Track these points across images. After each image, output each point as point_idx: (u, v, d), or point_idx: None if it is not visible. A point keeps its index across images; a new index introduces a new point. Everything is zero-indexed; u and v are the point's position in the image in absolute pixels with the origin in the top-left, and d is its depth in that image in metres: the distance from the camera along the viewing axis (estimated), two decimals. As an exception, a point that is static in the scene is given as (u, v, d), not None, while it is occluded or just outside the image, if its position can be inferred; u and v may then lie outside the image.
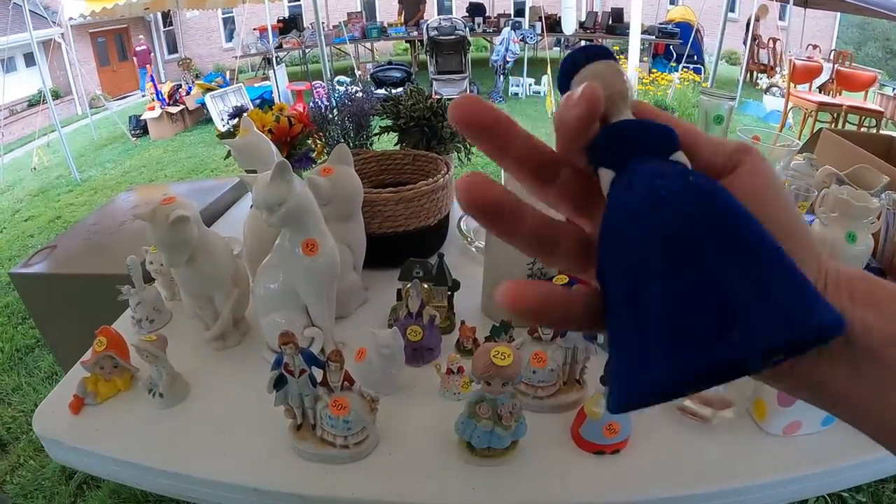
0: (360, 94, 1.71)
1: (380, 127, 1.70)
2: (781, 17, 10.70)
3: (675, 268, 0.23)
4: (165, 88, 8.95)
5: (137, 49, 12.92)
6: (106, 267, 1.65)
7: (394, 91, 1.75)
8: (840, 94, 7.73)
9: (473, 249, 1.41)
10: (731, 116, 1.33)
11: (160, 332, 1.05)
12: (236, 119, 1.67)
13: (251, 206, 1.28)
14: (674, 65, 9.18)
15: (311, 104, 1.77)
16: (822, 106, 6.91)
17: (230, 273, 1.09)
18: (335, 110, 1.68)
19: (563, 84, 0.30)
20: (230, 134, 1.63)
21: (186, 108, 9.05)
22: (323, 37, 7.06)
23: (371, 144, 1.75)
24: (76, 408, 1.04)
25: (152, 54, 13.81)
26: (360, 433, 0.88)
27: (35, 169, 7.64)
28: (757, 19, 9.72)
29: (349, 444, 0.87)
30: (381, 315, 1.21)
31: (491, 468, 0.88)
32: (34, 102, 10.60)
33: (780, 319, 0.22)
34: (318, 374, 0.87)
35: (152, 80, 9.42)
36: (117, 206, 2.16)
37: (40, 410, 1.07)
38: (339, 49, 10.98)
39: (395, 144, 1.68)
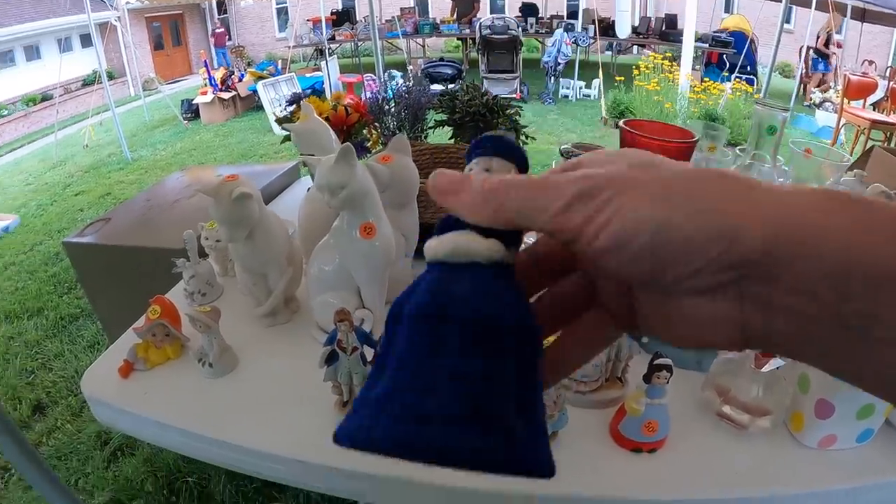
0: (417, 87, 1.73)
1: (435, 121, 1.71)
2: (837, 31, 10.46)
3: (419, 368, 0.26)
4: (218, 74, 9.12)
5: (216, 31, 13.94)
6: (158, 241, 1.69)
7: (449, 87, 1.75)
8: (894, 113, 7.51)
9: (529, 239, 1.42)
10: (784, 128, 1.32)
11: (214, 305, 1.07)
12: (294, 105, 1.71)
13: (308, 190, 1.31)
14: (726, 74, 9.02)
15: (366, 96, 1.79)
16: (875, 124, 6.69)
17: (285, 252, 1.12)
18: (392, 101, 1.70)
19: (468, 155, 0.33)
20: (287, 119, 1.66)
21: (238, 94, 9.22)
22: (377, 30, 7.13)
23: (426, 137, 1.76)
24: (125, 372, 1.08)
25: (214, 38, 14.19)
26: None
27: (87, 146, 7.84)
28: (828, 36, 9.48)
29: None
30: None
31: None
32: (88, 82, 10.88)
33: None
34: (368, 354, 0.88)
35: (206, 65, 9.60)
36: (170, 185, 2.21)
37: (89, 373, 1.10)
38: (390, 43, 11.09)
39: (450, 139, 1.69)
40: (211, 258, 1.35)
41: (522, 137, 1.71)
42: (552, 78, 9.00)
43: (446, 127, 1.70)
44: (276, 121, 1.71)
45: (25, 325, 3.49)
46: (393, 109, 1.70)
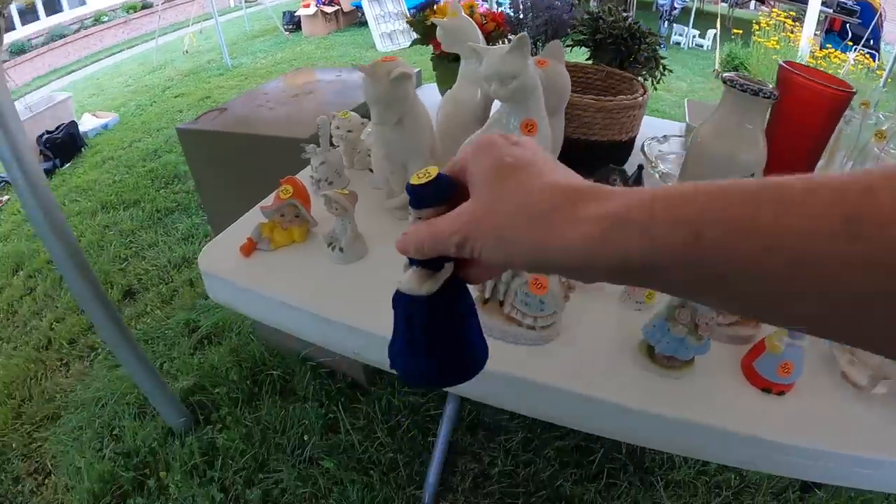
0: (561, 2, 1.64)
1: (573, 39, 1.63)
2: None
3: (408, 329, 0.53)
4: (323, -12, 9.07)
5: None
6: (276, 130, 1.68)
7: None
8: None
9: (656, 175, 1.37)
10: None
11: (351, 189, 1.04)
12: (426, 8, 1.65)
13: (442, 93, 1.26)
14: (849, 43, 8.46)
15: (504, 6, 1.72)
16: None
17: (430, 143, 1.08)
18: (530, 14, 1.63)
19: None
20: (420, 22, 1.61)
21: (341, 8, 9.17)
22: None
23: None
24: (248, 251, 1.07)
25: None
26: (550, 317, 0.86)
27: (187, 52, 7.98)
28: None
29: (536, 325, 0.85)
30: None
31: (665, 379, 0.86)
32: (190, -9, 11.00)
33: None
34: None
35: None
36: (289, 81, 2.19)
37: (207, 249, 1.10)
38: None
39: (587, 59, 1.61)
40: (340, 149, 1.33)
41: (660, 69, 1.62)
42: (665, 22, 8.63)
43: (584, 48, 1.62)
44: (407, 22, 1.65)
45: (121, 215, 3.60)
46: (531, 23, 1.63)
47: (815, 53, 6.91)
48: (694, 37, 8.64)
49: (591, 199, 0.37)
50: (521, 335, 0.86)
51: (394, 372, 0.55)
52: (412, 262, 0.52)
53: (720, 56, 7.22)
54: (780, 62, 1.15)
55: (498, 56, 0.90)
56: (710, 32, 8.01)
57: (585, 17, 1.59)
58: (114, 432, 2.09)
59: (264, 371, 2.20)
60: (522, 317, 0.85)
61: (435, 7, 1.60)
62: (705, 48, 8.29)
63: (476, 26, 1.26)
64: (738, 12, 10.81)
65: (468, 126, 1.20)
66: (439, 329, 0.54)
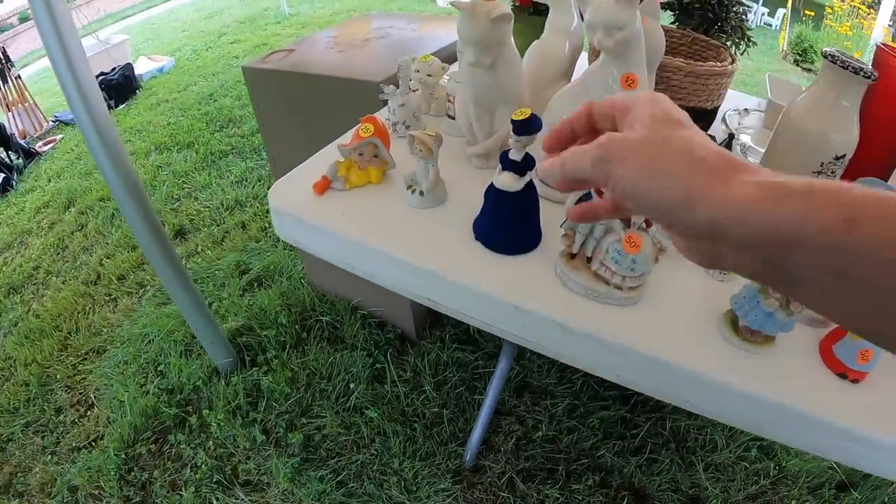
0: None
1: (660, 2, 1.58)
2: None
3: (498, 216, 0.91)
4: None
5: None
6: (347, 72, 1.65)
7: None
8: None
9: (737, 147, 1.33)
10: None
11: (437, 131, 1.02)
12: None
13: (517, 46, 1.23)
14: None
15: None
16: None
17: (521, 91, 1.05)
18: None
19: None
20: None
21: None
22: None
23: (646, 18, 1.64)
24: (322, 189, 1.05)
25: None
26: (639, 279, 0.84)
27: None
28: None
29: (624, 285, 0.83)
30: None
31: (745, 353, 0.84)
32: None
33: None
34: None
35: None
36: (358, 25, 2.16)
37: (279, 185, 1.09)
38: None
39: (672, 23, 1.56)
40: (419, 92, 1.30)
41: (746, 40, 1.57)
42: None
43: (668, 11, 1.57)
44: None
45: (175, 156, 3.63)
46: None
47: (888, 43, 6.66)
48: (763, 15, 8.28)
49: (753, 171, 0.38)
50: (607, 294, 0.84)
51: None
52: (504, 166, 0.87)
53: (789, 37, 6.98)
54: (877, 43, 1.10)
55: (607, 4, 0.86)
56: (780, 12, 7.71)
57: (676, -20, 1.54)
58: (158, 368, 2.13)
59: (313, 317, 2.21)
60: (611, 275, 0.83)
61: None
62: (773, 27, 7.97)
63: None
64: None
65: (554, 79, 1.17)
66: (515, 214, 0.90)
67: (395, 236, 0.97)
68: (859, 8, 6.89)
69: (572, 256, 0.88)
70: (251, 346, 2.14)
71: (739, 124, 1.50)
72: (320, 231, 1.01)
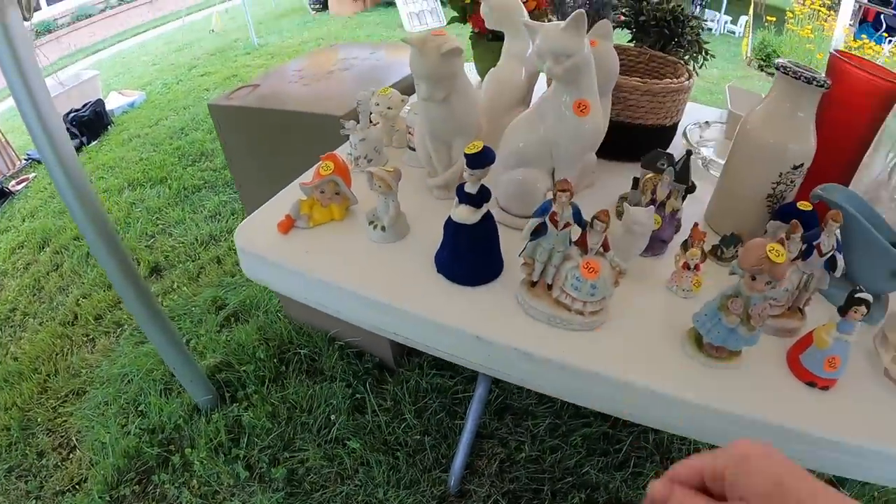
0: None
1: (615, 21, 1.60)
2: None
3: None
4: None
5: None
6: (311, 107, 1.66)
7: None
8: None
9: (698, 161, 1.35)
10: None
11: (395, 166, 1.03)
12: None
13: (479, 73, 1.24)
14: (885, 35, 8.28)
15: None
16: None
17: (476, 122, 1.06)
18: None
19: None
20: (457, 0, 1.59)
21: (370, -12, 9.11)
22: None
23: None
24: (286, 227, 1.05)
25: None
26: (599, 303, 0.84)
27: (213, 31, 7.97)
28: None
29: (585, 310, 0.84)
30: (604, 200, 1.16)
31: (712, 369, 0.85)
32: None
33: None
34: (575, 234, 0.83)
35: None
36: (323, 57, 2.17)
37: (244, 226, 1.09)
38: None
39: (629, 41, 1.58)
40: (379, 125, 1.31)
41: (703, 54, 1.59)
42: (697, 6, 8.47)
43: (625, 29, 1.59)
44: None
45: (148, 192, 3.61)
46: (573, 4, 1.60)
47: (850, 44, 6.78)
48: (726, 23, 8.50)
49: None
50: (569, 320, 0.85)
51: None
52: (461, 199, 0.87)
53: (752, 43, 7.09)
54: (832, 50, 1.12)
55: (554, 33, 0.88)
56: (743, 19, 7.86)
57: (629, -1, 1.56)
58: (139, 408, 2.10)
59: (291, 350, 2.20)
60: (572, 301, 0.84)
61: (477, -16, 1.57)
62: (737, 34, 8.12)
63: (521, 4, 1.24)
64: (772, 0, 10.61)
65: (512, 105, 1.18)
66: (474, 246, 0.91)
67: (359, 273, 0.97)
68: (819, 10, 7.02)
69: (533, 284, 0.88)
70: (231, 381, 2.12)
71: (701, 137, 1.52)
72: (286, 270, 1.01)
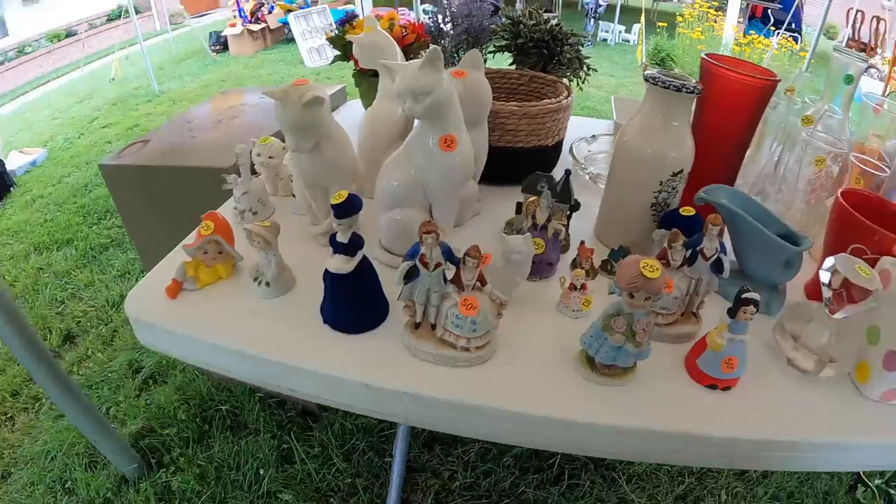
0: (480, 7, 1.63)
1: (495, 45, 1.62)
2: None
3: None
4: (248, 6, 8.92)
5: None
6: (200, 160, 1.63)
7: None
8: None
9: (585, 176, 1.37)
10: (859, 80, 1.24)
11: (273, 220, 1.01)
12: (346, 24, 1.62)
13: (366, 109, 1.24)
14: (773, 28, 8.72)
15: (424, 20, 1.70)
16: None
17: (351, 166, 1.05)
18: (451, 23, 1.61)
19: None
20: (339, 38, 1.58)
21: (268, 26, 9.01)
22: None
23: (485, 62, 1.67)
24: (174, 292, 1.02)
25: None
26: (484, 337, 0.84)
27: (114, 80, 7.75)
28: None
29: (470, 346, 0.83)
30: (493, 227, 1.17)
31: (608, 388, 0.86)
32: (113, 17, 10.72)
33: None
34: (450, 272, 0.82)
35: (236, -3, 9.41)
36: (211, 107, 2.13)
37: (133, 294, 1.05)
38: None
39: (510, 64, 1.61)
40: (262, 177, 1.28)
41: (585, 69, 1.62)
42: (592, 20, 8.76)
43: (506, 53, 1.61)
44: (327, 39, 1.62)
45: (55, 256, 3.46)
46: (452, 31, 1.61)
47: (740, 40, 7.09)
48: (620, 32, 8.83)
49: None
50: (456, 358, 0.84)
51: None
52: (335, 249, 0.86)
53: (647, 50, 7.35)
54: (702, 55, 1.15)
55: (410, 72, 0.88)
56: (636, 27, 8.15)
57: (506, 22, 1.58)
58: (66, 485, 1.99)
59: (213, 406, 2.13)
60: (456, 339, 0.83)
61: (353, 22, 1.57)
62: (632, 43, 8.46)
63: (393, 41, 1.24)
64: (663, 5, 11.04)
65: (389, 143, 1.18)
66: (354, 294, 0.90)
67: (248, 331, 0.95)
68: (708, 12, 7.32)
69: (417, 326, 0.87)
70: (155, 447, 2.03)
71: (589, 151, 1.54)
72: (176, 335, 0.98)
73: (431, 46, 0.87)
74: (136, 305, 1.02)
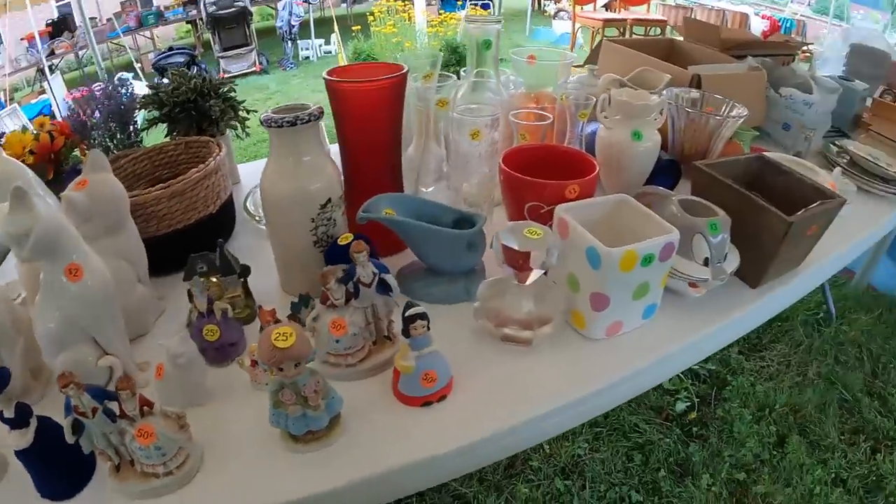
0: (115, 90, 1.54)
1: (146, 121, 1.54)
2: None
3: None
4: None
5: None
6: None
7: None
8: (625, 10, 8.25)
9: (263, 228, 1.34)
10: (500, 41, 1.32)
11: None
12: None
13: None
14: (461, 3, 9.19)
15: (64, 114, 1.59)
16: (607, 22, 7.42)
17: (8, 322, 0.94)
18: (96, 113, 1.51)
19: None
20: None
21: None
22: (93, 34, 6.43)
23: (141, 141, 1.59)
24: None
25: None
26: (179, 455, 0.81)
27: None
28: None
29: (171, 469, 0.80)
30: (183, 323, 1.08)
31: (321, 451, 0.84)
32: None
33: None
34: (114, 406, 0.77)
35: None
36: None
37: None
38: (116, 44, 9.89)
39: (165, 136, 1.54)
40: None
41: (239, 118, 1.59)
42: (289, 42, 8.75)
43: (161, 124, 1.54)
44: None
45: None
46: (98, 121, 1.51)
47: (433, 22, 7.39)
48: (320, 46, 8.94)
49: None
50: (164, 485, 0.80)
51: None
52: (10, 425, 0.77)
53: (347, 56, 7.46)
54: (324, 75, 1.13)
55: (2, 218, 0.81)
56: (333, 37, 8.30)
57: (148, 94, 1.51)
58: None
59: None
60: (153, 468, 0.79)
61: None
62: (334, 53, 8.59)
63: (20, 166, 1.15)
64: (358, 8, 11.22)
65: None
66: (46, 463, 0.80)
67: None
68: (395, 4, 7.53)
69: (118, 469, 0.82)
70: None
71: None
72: None
73: (15, 184, 0.80)
74: None
